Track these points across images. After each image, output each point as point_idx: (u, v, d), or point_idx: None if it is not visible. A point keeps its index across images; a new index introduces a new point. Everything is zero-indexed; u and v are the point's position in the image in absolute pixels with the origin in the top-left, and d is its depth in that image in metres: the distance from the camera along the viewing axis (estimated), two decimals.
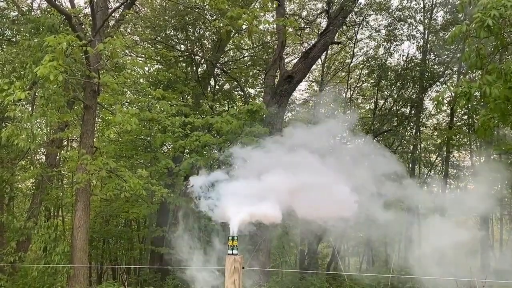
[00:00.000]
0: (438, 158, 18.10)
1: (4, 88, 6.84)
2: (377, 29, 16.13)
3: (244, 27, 11.56)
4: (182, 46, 15.85)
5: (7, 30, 10.69)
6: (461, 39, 10.05)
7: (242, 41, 16.55)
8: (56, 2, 9.74)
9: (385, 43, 16.15)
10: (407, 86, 16.30)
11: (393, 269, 12.64)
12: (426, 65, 15.48)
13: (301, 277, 13.39)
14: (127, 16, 10.86)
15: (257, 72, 17.59)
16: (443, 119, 17.26)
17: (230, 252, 4.03)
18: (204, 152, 11.49)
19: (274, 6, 11.23)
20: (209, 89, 16.25)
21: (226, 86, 17.73)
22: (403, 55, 16.65)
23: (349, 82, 17.79)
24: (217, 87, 17.05)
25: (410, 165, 16.52)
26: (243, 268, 4.02)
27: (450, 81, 16.02)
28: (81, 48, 7.42)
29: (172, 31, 15.09)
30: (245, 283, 4.08)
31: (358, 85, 18.24)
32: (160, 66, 15.27)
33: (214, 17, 13.41)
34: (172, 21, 14.51)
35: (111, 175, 9.55)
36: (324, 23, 15.69)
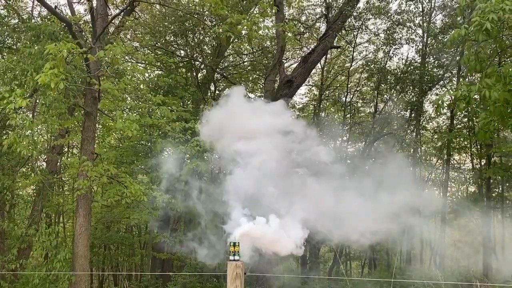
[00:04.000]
0: (439, 161, 18.11)
1: (5, 96, 6.85)
2: (376, 33, 16.18)
3: (243, 32, 11.60)
4: (182, 51, 15.92)
5: (8, 37, 10.73)
6: (460, 42, 10.10)
7: (241, 46, 16.60)
8: (56, 9, 9.77)
9: (384, 46, 16.20)
10: (407, 89, 16.33)
11: (395, 273, 12.61)
12: (425, 68, 15.51)
13: (303, 281, 13.36)
14: (127, 23, 10.91)
15: (257, 77, 17.65)
16: (443, 122, 17.28)
17: (231, 258, 4.02)
18: (205, 157, 11.50)
19: (274, 11, 11.27)
20: (209, 94, 16.30)
21: (226, 91, 17.77)
22: (402, 59, 16.74)
23: (349, 86, 17.82)
24: (217, 92, 17.10)
25: (411, 169, 16.51)
26: (245, 274, 4.01)
27: (450, 84, 16.05)
28: (81, 55, 7.45)
29: (172, 37, 15.15)
30: None
31: (357, 88, 18.28)
32: (160, 72, 15.32)
33: (214, 23, 13.46)
34: (172, 27, 14.57)
35: (112, 181, 9.55)
36: (323, 27, 15.76)
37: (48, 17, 10.09)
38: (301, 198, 4.81)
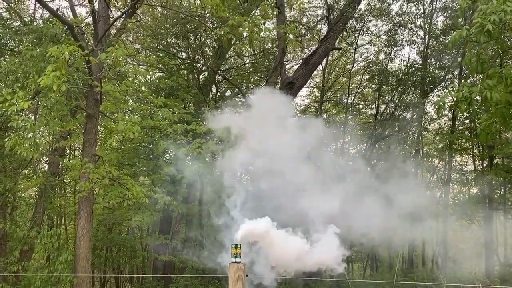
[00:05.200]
0: (441, 162, 18.06)
1: (7, 98, 6.87)
2: (378, 34, 16.19)
3: (245, 34, 11.62)
4: (183, 53, 15.94)
5: (10, 40, 10.77)
6: (461, 43, 10.09)
7: (243, 48, 16.62)
8: (58, 12, 9.82)
9: (386, 48, 16.19)
10: (408, 91, 16.31)
11: (397, 275, 12.57)
12: (427, 69, 15.50)
13: (304, 283, 13.33)
14: (129, 25, 10.93)
15: (258, 78, 17.65)
16: (445, 123, 17.26)
17: (233, 260, 4.02)
18: (207, 159, 11.50)
19: (275, 13, 11.29)
20: (210, 96, 16.31)
21: (228, 93, 17.78)
22: (403, 60, 16.71)
23: (350, 87, 17.82)
24: (218, 94, 17.11)
25: (413, 170, 16.48)
26: (246, 275, 4.01)
27: (451, 86, 16.03)
28: (83, 57, 7.47)
29: (174, 39, 15.18)
30: None
31: (359, 90, 18.28)
32: (161, 74, 15.34)
33: (215, 25, 13.48)
34: (174, 29, 14.60)
35: (114, 183, 9.56)
36: (324, 29, 15.77)
37: (50, 19, 10.11)
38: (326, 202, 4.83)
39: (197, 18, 12.56)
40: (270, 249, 4.46)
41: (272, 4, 12.29)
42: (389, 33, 15.62)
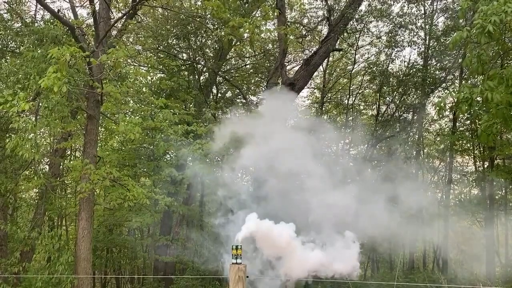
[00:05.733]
0: (442, 163, 18.04)
1: (8, 99, 6.88)
2: (378, 35, 16.19)
3: (245, 35, 11.63)
4: (184, 54, 15.95)
5: (11, 41, 10.78)
6: (462, 44, 10.09)
7: (243, 49, 16.63)
8: (59, 13, 9.82)
9: (387, 49, 16.19)
10: (409, 91, 16.30)
11: (398, 276, 12.55)
12: (427, 70, 15.48)
13: (305, 285, 13.30)
14: (130, 26, 10.94)
15: (259, 79, 17.67)
16: (446, 124, 17.25)
17: (234, 261, 4.02)
18: (207, 160, 11.50)
19: (275, 14, 11.30)
20: (211, 97, 16.32)
21: (228, 94, 17.80)
22: (404, 61, 16.71)
23: (351, 88, 17.82)
24: (219, 95, 17.13)
25: (414, 171, 16.46)
26: (247, 277, 4.01)
27: (452, 87, 16.02)
28: (84, 58, 7.48)
29: (174, 40, 15.19)
30: None
31: (360, 91, 18.28)
32: (162, 75, 15.35)
33: (216, 26, 13.50)
34: (174, 30, 14.61)
35: (115, 184, 9.57)
36: (325, 30, 15.77)
37: (51, 20, 10.13)
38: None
39: (198, 19, 12.58)
40: (287, 260, 4.43)
41: (273, 5, 12.31)
42: (390, 34, 15.62)
